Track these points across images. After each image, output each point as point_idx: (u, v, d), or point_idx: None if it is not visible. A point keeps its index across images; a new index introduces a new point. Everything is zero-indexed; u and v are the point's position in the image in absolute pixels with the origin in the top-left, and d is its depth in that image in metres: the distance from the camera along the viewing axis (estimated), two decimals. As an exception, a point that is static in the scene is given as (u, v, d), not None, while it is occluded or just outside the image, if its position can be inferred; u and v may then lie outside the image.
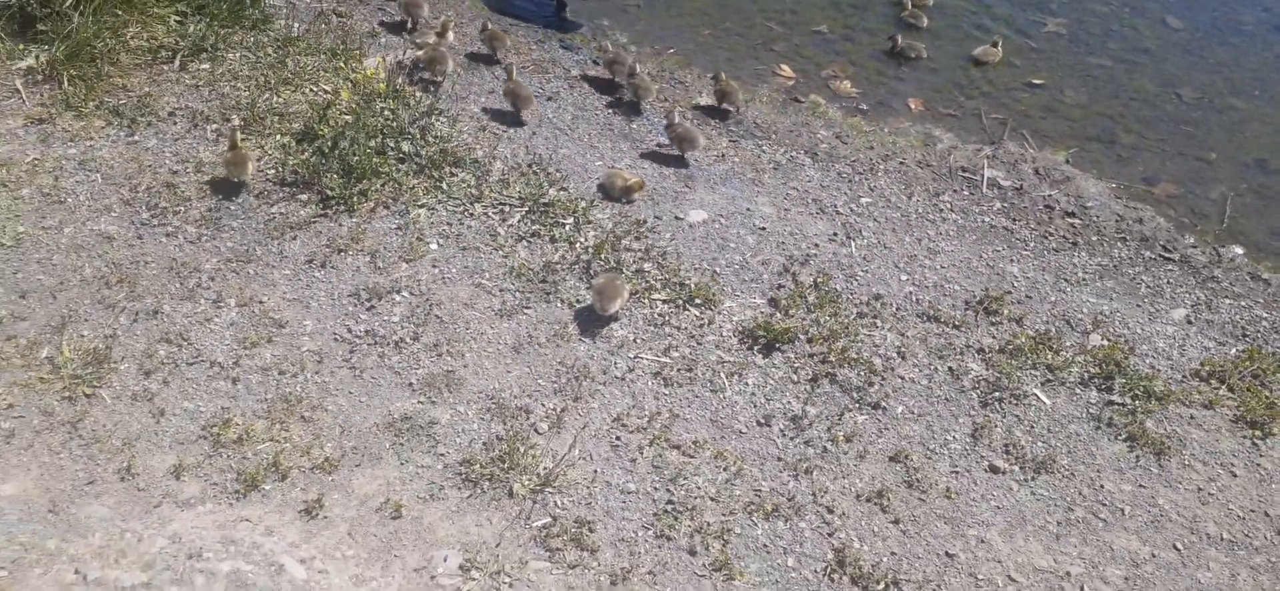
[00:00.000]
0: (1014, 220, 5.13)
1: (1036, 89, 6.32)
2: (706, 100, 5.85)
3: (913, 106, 6.11)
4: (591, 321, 4.09)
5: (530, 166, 4.99)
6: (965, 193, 5.30)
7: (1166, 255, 5.02)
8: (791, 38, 6.71)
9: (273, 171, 4.59)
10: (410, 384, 3.72)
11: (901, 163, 5.48)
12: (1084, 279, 4.78)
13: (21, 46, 5.09)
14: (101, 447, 3.32)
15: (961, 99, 6.21)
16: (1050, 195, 5.35)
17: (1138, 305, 4.65)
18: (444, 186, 4.71)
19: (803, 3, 7.10)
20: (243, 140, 4.59)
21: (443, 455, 3.49)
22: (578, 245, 4.46)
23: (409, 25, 6.12)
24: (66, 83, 4.87)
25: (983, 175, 5.43)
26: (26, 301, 3.70)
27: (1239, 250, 5.14)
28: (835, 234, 4.83)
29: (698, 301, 4.26)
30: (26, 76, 4.93)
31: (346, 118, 4.88)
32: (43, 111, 4.74)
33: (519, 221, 4.58)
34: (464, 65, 5.88)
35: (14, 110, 4.74)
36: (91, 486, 3.21)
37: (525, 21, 6.57)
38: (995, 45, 6.53)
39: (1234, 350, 4.42)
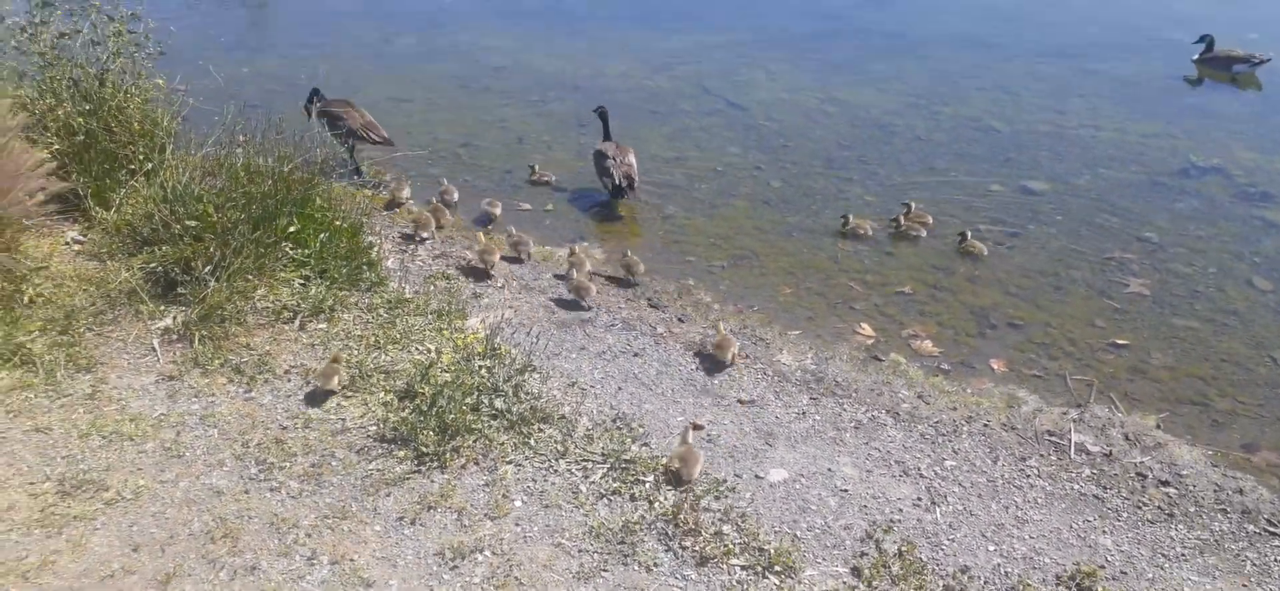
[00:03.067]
0: (1105, 488, 5.03)
1: (1121, 350, 6.31)
2: (787, 358, 6.01)
3: (996, 367, 6.15)
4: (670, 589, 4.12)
5: (614, 422, 5.17)
6: (1052, 458, 5.25)
7: (1272, 529, 4.82)
8: (872, 297, 6.91)
9: (373, 428, 4.87)
10: (489, 646, 3.78)
11: (985, 425, 5.49)
12: (1183, 554, 4.61)
13: (161, 308, 5.62)
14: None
15: (1045, 360, 6.23)
16: (1142, 462, 5.25)
17: (1243, 585, 4.45)
18: (531, 443, 4.90)
19: (885, 263, 7.35)
20: (336, 362, 5.07)
21: None
22: (656, 505, 4.55)
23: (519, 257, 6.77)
24: (197, 342, 5.34)
25: (1070, 440, 5.38)
26: (137, 555, 3.94)
27: (1351, 524, 4.91)
28: (919, 499, 4.82)
29: (777, 568, 4.27)
30: (163, 336, 5.42)
31: (446, 375, 5.18)
32: (174, 369, 5.18)
33: (600, 478, 4.71)
34: (558, 323, 6.23)
35: (149, 367, 5.19)
36: None
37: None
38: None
39: (1351, 637, 4.17)
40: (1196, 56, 12.04)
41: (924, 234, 7.77)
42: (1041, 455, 5.27)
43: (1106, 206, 8.31)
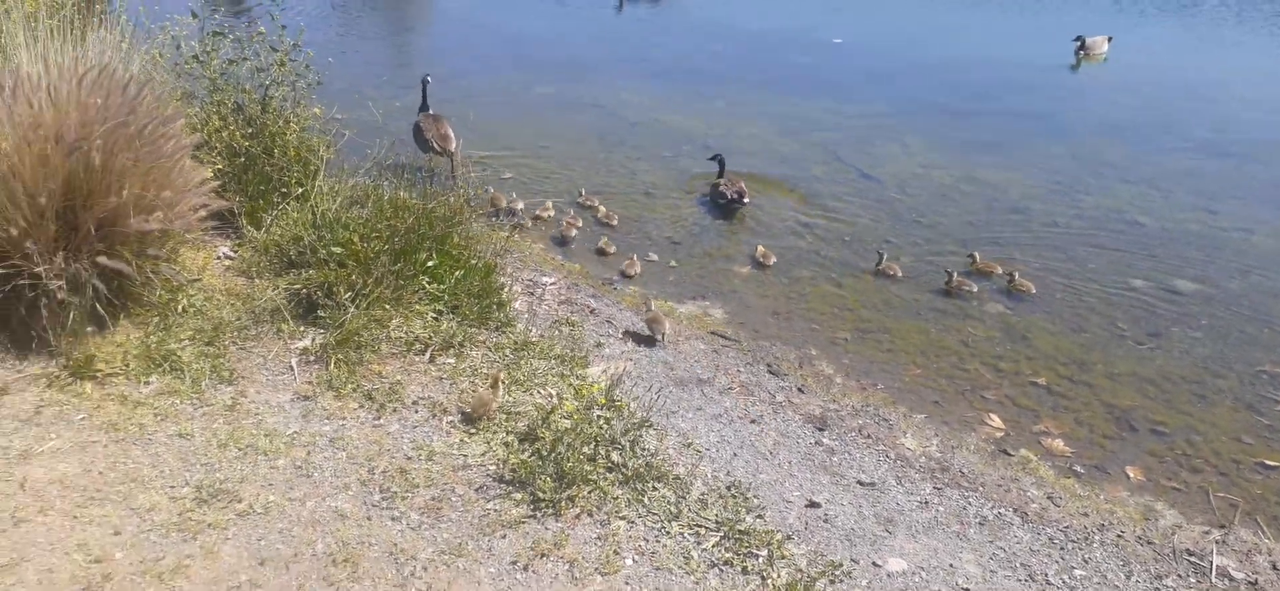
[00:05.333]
0: (1249, 618, 4.71)
1: (1271, 471, 5.91)
2: (911, 442, 5.85)
3: (1131, 475, 5.84)
4: (778, 666, 4.03)
5: (728, 489, 5.11)
6: (1192, 579, 4.94)
7: None
8: (1003, 386, 6.68)
9: (493, 468, 4.94)
10: (592, 704, 3.75)
11: (1119, 535, 5.21)
12: (1335, 701, 4.27)
13: (301, 328, 5.86)
14: None
15: (1186, 473, 5.89)
16: (1292, 595, 4.89)
17: None
18: (645, 500, 4.88)
19: (1020, 350, 7.11)
20: (498, 382, 5.31)
21: None
22: (770, 581, 4.46)
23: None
24: (333, 365, 5.53)
25: (1212, 562, 5.05)
26: (263, 569, 4.07)
27: None
28: (1043, 606, 4.60)
29: (890, 661, 4.12)
30: (301, 356, 5.64)
31: (566, 422, 5.23)
32: (309, 389, 5.38)
33: (713, 546, 4.65)
34: (676, 380, 6.22)
35: (286, 385, 5.41)
36: None
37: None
38: None
39: None
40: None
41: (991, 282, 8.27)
42: (1179, 575, 4.97)
43: (1259, 316, 7.85)
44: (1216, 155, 11.74)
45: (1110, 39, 16.08)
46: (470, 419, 5.27)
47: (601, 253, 8.56)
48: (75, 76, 5.20)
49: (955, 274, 8.13)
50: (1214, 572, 4.99)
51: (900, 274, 8.28)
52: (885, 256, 8.41)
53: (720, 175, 9.95)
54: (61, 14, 6.03)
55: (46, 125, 5.01)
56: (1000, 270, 8.34)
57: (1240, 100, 14.04)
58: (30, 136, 4.97)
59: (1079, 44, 15.95)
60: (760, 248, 8.69)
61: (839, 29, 17.26)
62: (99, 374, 5.18)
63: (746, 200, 9.54)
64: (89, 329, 5.35)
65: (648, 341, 6.78)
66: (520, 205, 9.33)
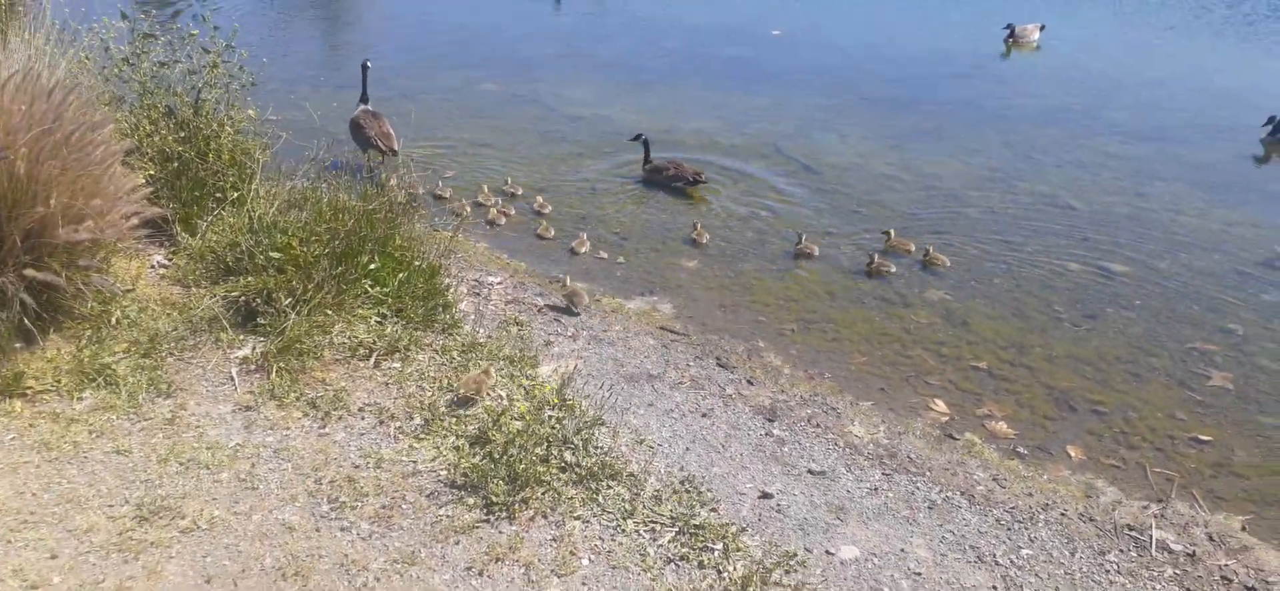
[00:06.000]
0: (1187, 590, 4.84)
1: (1204, 445, 6.10)
2: (859, 429, 5.92)
3: (1072, 454, 5.98)
4: (736, 659, 4.04)
5: (682, 484, 5.11)
6: (1133, 553, 5.07)
7: (1367, 648, 4.60)
8: (947, 371, 6.79)
9: (444, 473, 4.88)
10: (552, 707, 3.73)
11: (1062, 513, 5.33)
12: (1271, 666, 4.41)
13: (241, 337, 5.72)
14: None
15: (1124, 450, 6.05)
16: (1227, 565, 5.04)
17: (1336, 704, 4.24)
18: (600, 499, 4.86)
19: (961, 336, 7.23)
20: (487, 375, 5.52)
21: None
22: (726, 574, 4.48)
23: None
24: (274, 374, 5.41)
25: (1151, 536, 5.19)
26: (210, 586, 3.97)
27: None
28: (995, 587, 4.68)
29: (846, 649, 4.16)
30: (242, 365, 5.51)
31: (517, 424, 5.18)
32: (251, 399, 5.25)
33: (669, 541, 4.65)
34: (627, 377, 6.21)
35: (226, 396, 5.28)
36: None
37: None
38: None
39: None
40: (1264, 136, 11.83)
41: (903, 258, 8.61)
42: (1121, 550, 5.10)
43: (1188, 294, 8.08)
44: (1144, 140, 12.05)
45: (1042, 27, 16.40)
46: (464, 400, 5.44)
47: (541, 238, 8.86)
48: (-4, 82, 5.01)
49: (876, 256, 8.39)
50: (1154, 546, 5.13)
51: (817, 253, 8.60)
52: (804, 237, 8.68)
53: (646, 159, 10.25)
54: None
55: (-34, 134, 4.82)
56: (913, 247, 8.67)
57: (1166, 86, 14.45)
58: (-51, 146, 4.78)
59: (1009, 32, 16.24)
60: (697, 226, 8.91)
61: (777, 21, 17.37)
62: (29, 391, 5.01)
63: (703, 179, 9.95)
64: (17, 344, 5.16)
65: (568, 312, 7.20)
66: (467, 205, 9.30)
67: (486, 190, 9.60)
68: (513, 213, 9.33)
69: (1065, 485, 5.63)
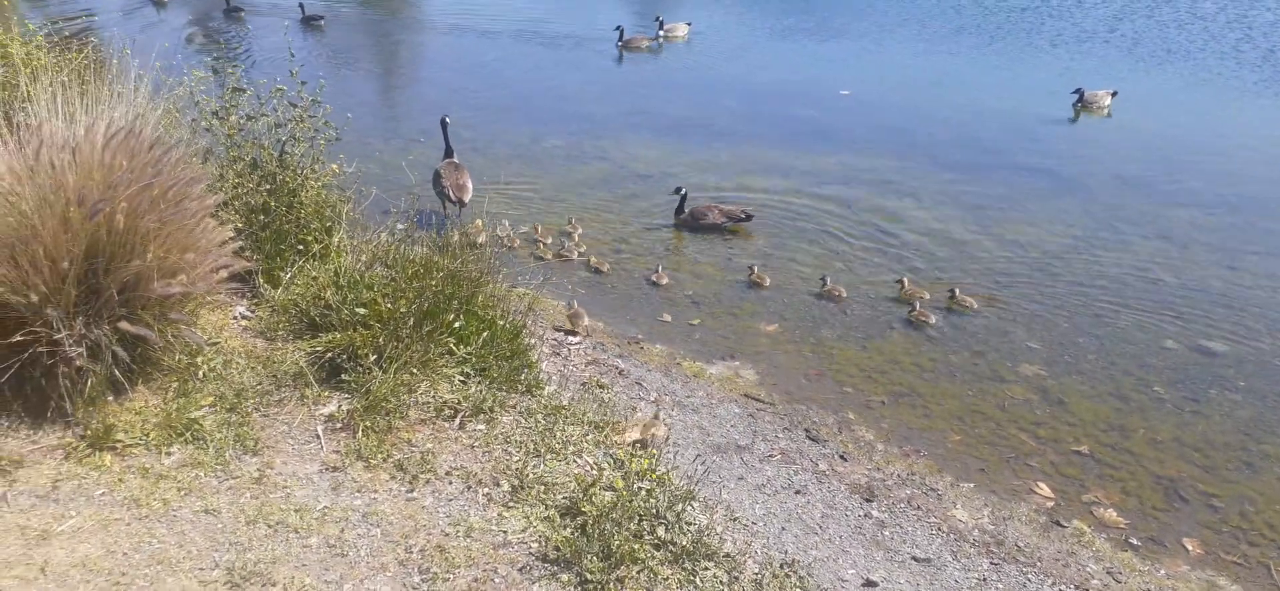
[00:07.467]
0: (1333, 706, 4.49)
1: (1337, 545, 5.74)
2: (962, 513, 5.64)
3: (1189, 547, 5.65)
4: None
5: (782, 568, 4.87)
6: (1267, 662, 4.73)
7: None
8: (1047, 453, 6.49)
9: (535, 545, 4.69)
10: None
11: (1186, 614, 5.00)
12: None
13: (326, 393, 5.61)
14: None
15: (1244, 546, 5.70)
16: (1374, 679, 4.68)
17: None
18: (697, 581, 4.64)
19: (1057, 415, 6.93)
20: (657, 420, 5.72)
21: None
22: (834, 669, 4.22)
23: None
24: (361, 433, 5.27)
25: (1286, 643, 4.85)
26: (305, 659, 3.81)
27: None
28: (1119, 693, 4.37)
29: None
30: (327, 423, 5.39)
31: (608, 495, 4.98)
32: (337, 459, 5.11)
33: (770, 630, 4.41)
34: (713, 446, 6.00)
35: (313, 455, 5.14)
36: None
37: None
38: None
39: None
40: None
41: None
42: (1253, 657, 4.76)
43: (1296, 376, 7.71)
44: (1228, 210, 11.67)
45: (1114, 93, 16.09)
46: (568, 330, 5.93)
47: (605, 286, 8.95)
48: (100, 135, 4.99)
49: (917, 304, 8.46)
50: (1290, 655, 4.78)
51: (845, 294, 8.67)
52: (829, 279, 8.80)
53: (680, 210, 10.49)
54: (72, 68, 5.84)
55: (69, 187, 4.79)
56: (927, 295, 8.68)
57: (1243, 154, 14.04)
58: (51, 198, 4.75)
59: (1078, 96, 15.96)
60: (755, 268, 8.97)
61: (844, 80, 17.23)
62: (118, 444, 4.91)
63: (750, 216, 10.34)
64: (108, 397, 5.09)
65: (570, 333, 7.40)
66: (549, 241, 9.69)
67: (568, 241, 9.70)
68: (588, 261, 9.39)
69: (1185, 582, 5.30)
